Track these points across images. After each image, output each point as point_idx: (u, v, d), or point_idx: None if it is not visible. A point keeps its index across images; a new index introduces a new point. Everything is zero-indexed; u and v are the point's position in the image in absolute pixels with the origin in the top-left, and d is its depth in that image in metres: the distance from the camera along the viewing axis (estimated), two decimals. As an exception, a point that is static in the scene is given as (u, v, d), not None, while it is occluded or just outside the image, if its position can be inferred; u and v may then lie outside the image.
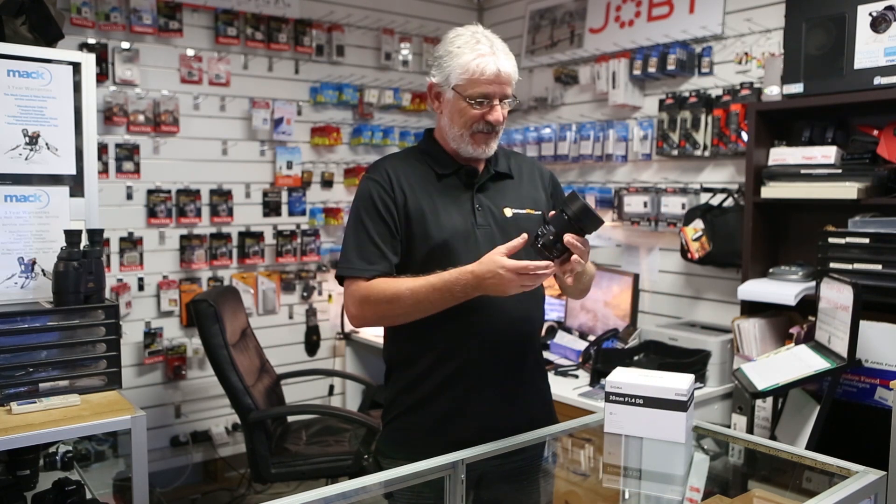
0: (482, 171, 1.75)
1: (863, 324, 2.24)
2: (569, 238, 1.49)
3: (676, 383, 1.65)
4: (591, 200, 3.69)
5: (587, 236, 1.54)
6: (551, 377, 2.99)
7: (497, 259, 1.51)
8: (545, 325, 3.55)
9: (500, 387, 1.70)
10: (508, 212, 1.72)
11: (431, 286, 1.56)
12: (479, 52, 1.62)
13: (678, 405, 1.62)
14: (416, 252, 1.66)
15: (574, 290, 1.76)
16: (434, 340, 1.67)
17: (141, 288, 3.49)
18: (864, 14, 2.55)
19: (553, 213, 1.56)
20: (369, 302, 1.62)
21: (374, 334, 3.81)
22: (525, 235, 1.54)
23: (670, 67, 3.31)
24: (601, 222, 1.52)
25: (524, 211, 1.73)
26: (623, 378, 1.69)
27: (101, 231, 2.09)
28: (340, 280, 1.70)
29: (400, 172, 1.71)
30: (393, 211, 1.67)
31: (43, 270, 2.07)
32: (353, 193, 1.79)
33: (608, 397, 1.69)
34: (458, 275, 1.55)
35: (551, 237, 1.51)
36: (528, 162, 1.88)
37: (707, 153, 3.21)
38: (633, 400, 1.65)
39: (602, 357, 2.92)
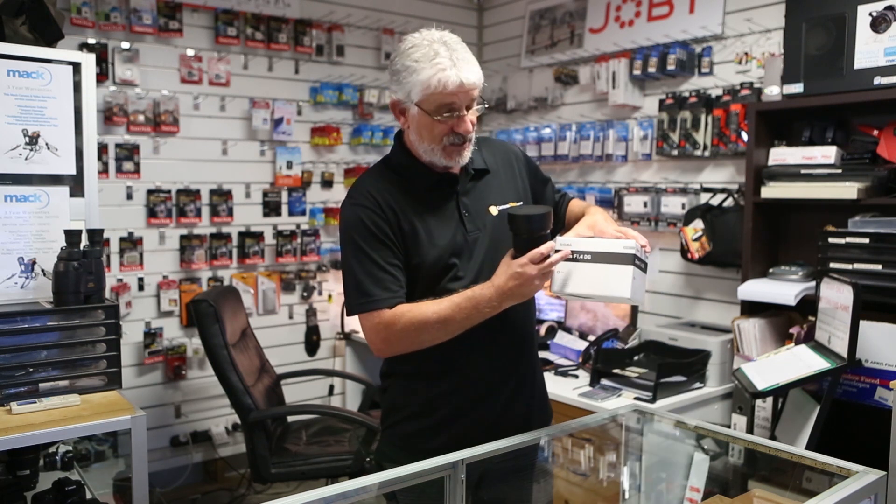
0: (461, 174, 1.69)
1: (863, 324, 2.24)
2: (543, 253, 1.48)
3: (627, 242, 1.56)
4: (590, 200, 3.69)
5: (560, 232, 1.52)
6: (552, 377, 3.00)
7: (511, 262, 1.50)
8: (545, 325, 3.55)
9: (499, 387, 1.70)
10: (493, 210, 1.69)
11: (457, 307, 1.52)
12: (438, 65, 1.52)
13: (625, 258, 1.53)
14: (418, 271, 1.62)
15: None
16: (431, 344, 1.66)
17: (141, 288, 3.49)
18: (864, 14, 2.55)
19: (513, 238, 1.52)
20: (395, 331, 1.56)
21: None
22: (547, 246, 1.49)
23: (670, 67, 3.31)
24: (549, 217, 1.50)
25: (507, 205, 1.70)
26: (573, 237, 1.60)
27: (101, 231, 2.09)
28: (352, 311, 1.61)
29: (385, 193, 1.62)
30: (389, 233, 1.59)
31: (43, 270, 2.07)
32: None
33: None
34: (480, 290, 1.52)
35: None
36: (499, 148, 1.81)
37: (707, 153, 3.21)
38: (582, 256, 1.56)
39: (602, 357, 2.92)
